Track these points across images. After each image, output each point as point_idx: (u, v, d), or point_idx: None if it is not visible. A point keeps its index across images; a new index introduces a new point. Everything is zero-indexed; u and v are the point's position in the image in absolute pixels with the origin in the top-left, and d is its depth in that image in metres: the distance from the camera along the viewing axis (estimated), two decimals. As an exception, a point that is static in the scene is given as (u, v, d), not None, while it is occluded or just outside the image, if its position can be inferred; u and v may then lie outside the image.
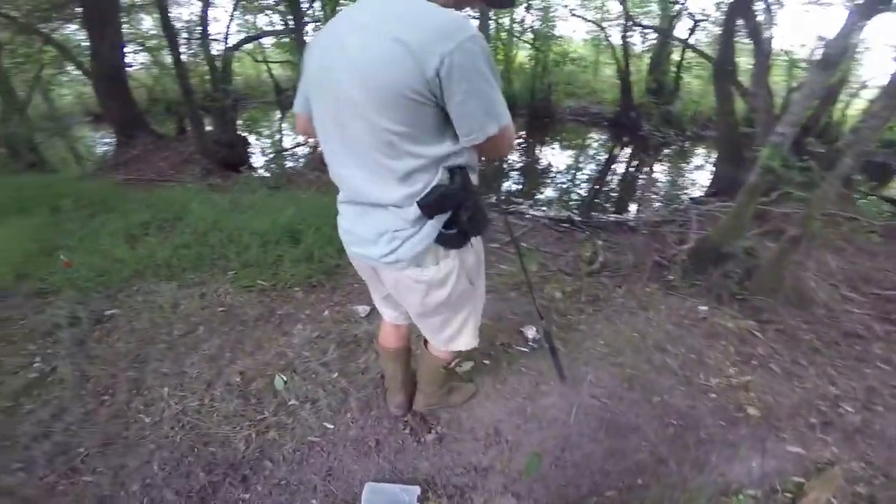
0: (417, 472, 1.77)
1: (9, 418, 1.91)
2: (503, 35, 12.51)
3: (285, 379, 2.11)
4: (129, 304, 2.76)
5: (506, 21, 12.27)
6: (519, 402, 2.06)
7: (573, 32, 14.27)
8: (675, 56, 11.19)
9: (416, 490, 1.66)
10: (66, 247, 3.40)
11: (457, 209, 1.08)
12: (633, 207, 6.72)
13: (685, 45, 9.72)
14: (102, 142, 9.25)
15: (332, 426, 1.92)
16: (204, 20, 7.13)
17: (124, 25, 7.72)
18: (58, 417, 1.91)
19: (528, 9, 11.91)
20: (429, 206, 1.05)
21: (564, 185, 7.77)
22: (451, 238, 1.12)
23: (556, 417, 1.99)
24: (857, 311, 2.90)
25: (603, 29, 11.93)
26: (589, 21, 12.15)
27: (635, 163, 9.33)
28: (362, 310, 2.64)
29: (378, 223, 1.12)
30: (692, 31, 9.74)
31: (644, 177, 8.38)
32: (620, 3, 9.97)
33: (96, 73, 6.70)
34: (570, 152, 10.34)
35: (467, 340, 1.46)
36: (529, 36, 12.57)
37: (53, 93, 9.15)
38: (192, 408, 1.97)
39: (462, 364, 2.20)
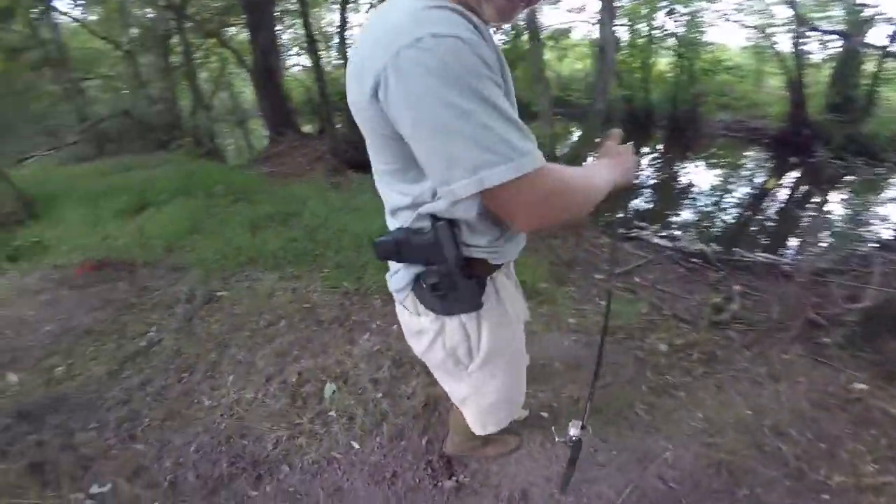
0: None
1: (109, 380, 2.24)
2: (640, 41, 11.45)
3: (334, 388, 2.13)
4: (236, 288, 3.08)
5: (642, 26, 11.25)
6: (561, 469, 1.75)
7: (727, 39, 12.48)
8: (870, 66, 8.97)
9: None
10: (205, 230, 3.96)
11: (428, 265, 0.87)
12: (791, 247, 5.48)
13: (884, 53, 7.75)
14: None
15: (358, 446, 1.87)
16: (342, 25, 7.76)
17: (289, 30, 8.77)
18: (142, 387, 2.19)
19: (669, 13, 10.73)
20: (379, 247, 0.89)
21: (704, 211, 6.61)
22: (424, 295, 0.92)
23: (601, 494, 1.68)
24: None
25: (767, 35, 10.20)
26: (749, 27, 10.51)
27: (802, 191, 7.67)
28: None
29: None
30: (894, 37, 7.71)
31: (813, 210, 6.85)
32: (790, 7, 8.36)
33: (254, 73, 7.76)
34: (717, 171, 8.88)
35: (475, 421, 1.23)
36: (672, 42, 11.32)
37: (234, 89, 10.90)
38: (246, 399, 2.10)
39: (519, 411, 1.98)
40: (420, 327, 0.99)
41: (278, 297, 2.92)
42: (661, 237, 4.92)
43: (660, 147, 9.53)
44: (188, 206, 4.47)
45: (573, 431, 1.33)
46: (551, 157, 5.46)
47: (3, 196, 4.61)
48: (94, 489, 1.74)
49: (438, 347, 1.00)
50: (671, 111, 11.05)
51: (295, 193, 4.82)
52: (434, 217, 0.82)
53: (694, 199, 7.15)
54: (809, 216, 6.60)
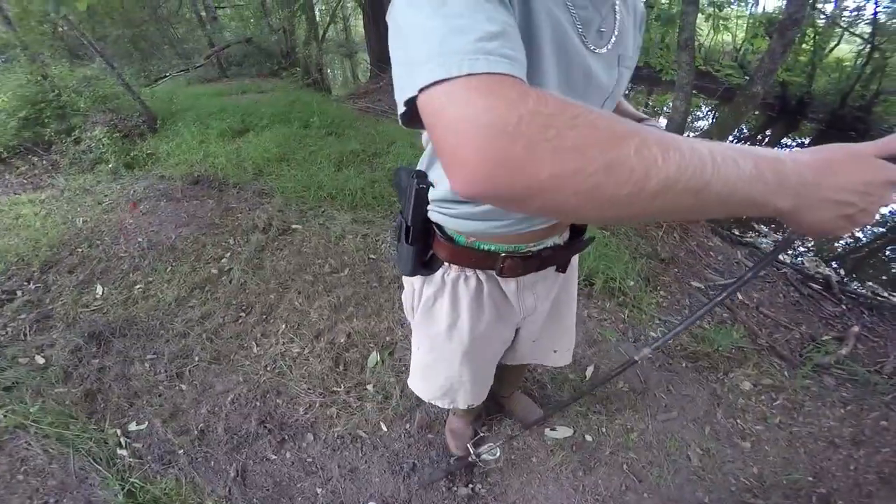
0: None
1: (175, 307, 2.22)
2: (819, 21, 8.99)
3: (378, 360, 1.93)
4: (310, 224, 2.96)
5: (829, 6, 8.84)
6: (589, 501, 1.51)
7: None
8: None
9: None
10: (294, 159, 3.90)
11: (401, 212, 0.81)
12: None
13: None
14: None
15: (386, 429, 1.71)
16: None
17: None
18: (201, 322, 2.14)
19: (870, -4, 8.17)
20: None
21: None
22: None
23: None
24: None
25: None
26: None
27: None
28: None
29: None
30: None
31: None
32: None
33: (364, 6, 7.42)
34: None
35: (412, 378, 1.15)
36: (865, 29, 8.77)
37: (348, 23, 10.79)
38: (292, 354, 1.96)
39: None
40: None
41: (347, 243, 2.74)
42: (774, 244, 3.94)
43: (806, 142, 7.71)
44: (283, 134, 4.44)
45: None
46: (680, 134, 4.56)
47: (132, 111, 4.96)
48: (132, 426, 1.73)
49: (405, 292, 0.99)
50: (836, 105, 8.79)
51: (383, 133, 4.58)
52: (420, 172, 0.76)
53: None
54: None
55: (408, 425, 1.72)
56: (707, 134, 5.00)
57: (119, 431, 1.71)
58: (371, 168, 3.74)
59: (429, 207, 0.77)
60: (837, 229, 0.46)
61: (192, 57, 9.10)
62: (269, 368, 1.91)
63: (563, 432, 1.70)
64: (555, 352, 1.17)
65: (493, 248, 0.78)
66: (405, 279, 0.96)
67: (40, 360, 2.03)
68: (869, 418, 1.83)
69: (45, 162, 4.53)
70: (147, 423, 1.74)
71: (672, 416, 1.81)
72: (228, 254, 2.65)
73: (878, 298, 3.04)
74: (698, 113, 8.05)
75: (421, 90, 0.39)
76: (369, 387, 1.84)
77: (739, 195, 0.40)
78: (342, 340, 2.02)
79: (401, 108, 0.44)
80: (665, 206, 0.37)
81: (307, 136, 4.49)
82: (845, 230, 0.46)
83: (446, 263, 0.82)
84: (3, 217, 3.43)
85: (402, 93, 0.43)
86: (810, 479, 1.60)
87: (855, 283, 3.56)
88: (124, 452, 1.64)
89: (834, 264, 3.92)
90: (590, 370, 1.96)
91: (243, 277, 2.43)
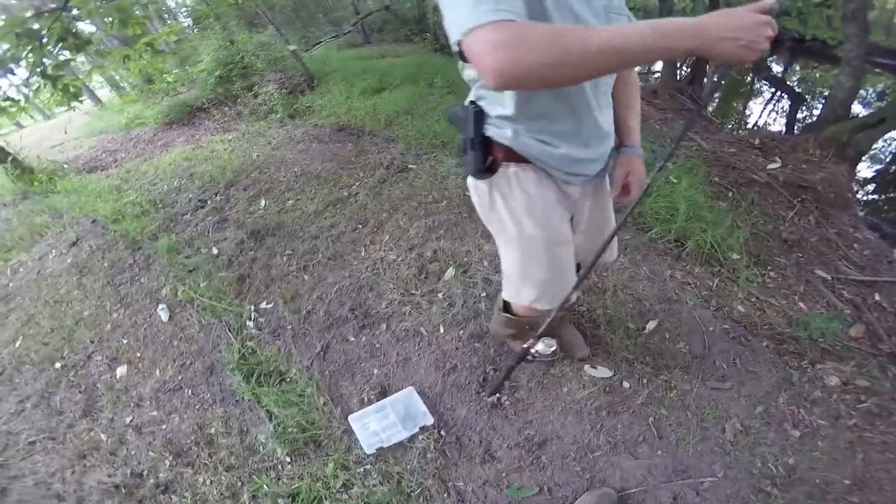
0: (452, 412, 1.68)
1: (313, 217, 2.80)
2: None
3: (454, 274, 2.20)
4: (423, 165, 3.34)
5: None
6: (598, 442, 1.54)
7: None
8: None
9: (429, 421, 1.63)
10: (417, 112, 4.33)
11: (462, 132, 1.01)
12: None
13: None
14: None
15: (443, 331, 1.94)
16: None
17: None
18: (329, 229, 2.66)
19: None
20: (451, 114, 1.04)
21: None
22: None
23: (604, 480, 1.44)
24: None
25: None
26: None
27: None
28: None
29: None
30: None
31: None
32: None
33: None
34: None
35: (507, 289, 1.25)
36: None
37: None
38: (388, 260, 2.35)
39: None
40: (469, 182, 1.13)
41: (450, 181, 3.06)
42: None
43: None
44: (411, 93, 4.88)
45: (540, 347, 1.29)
46: (841, 117, 3.73)
47: (296, 71, 5.88)
48: (263, 305, 2.25)
49: (475, 196, 1.13)
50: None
51: None
52: (473, 101, 0.97)
53: None
54: None
55: (460, 332, 1.93)
56: (879, 114, 4.06)
57: (252, 308, 2.25)
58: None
59: (486, 125, 0.97)
60: (743, 57, 0.67)
61: (342, 24, 10.14)
62: (369, 269, 2.33)
63: (602, 372, 1.69)
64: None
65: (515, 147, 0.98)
66: (476, 194, 1.10)
67: (214, 251, 2.74)
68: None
69: (232, 111, 5.66)
70: (273, 303, 2.26)
71: (724, 387, 1.65)
72: (357, 183, 3.17)
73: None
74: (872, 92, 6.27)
75: (465, 34, 0.64)
76: (440, 294, 2.12)
77: (651, 47, 0.64)
78: (429, 254, 2.35)
79: (455, 48, 0.71)
80: (602, 61, 0.64)
81: (430, 94, 4.88)
82: (749, 56, 0.67)
83: (504, 163, 0.99)
84: (203, 151, 4.49)
85: (453, 36, 0.68)
86: (847, 482, 1.37)
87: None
88: (251, 324, 2.17)
89: None
90: (651, 324, 1.86)
91: (366, 200, 2.92)
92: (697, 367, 1.71)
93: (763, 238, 2.47)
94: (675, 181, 2.68)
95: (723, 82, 6.50)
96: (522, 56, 0.61)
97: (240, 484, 1.60)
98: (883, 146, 4.60)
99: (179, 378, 2.04)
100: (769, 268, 2.30)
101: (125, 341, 2.30)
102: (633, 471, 1.44)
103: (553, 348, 1.30)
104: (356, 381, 1.85)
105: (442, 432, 1.64)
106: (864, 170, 4.23)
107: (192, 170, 4.02)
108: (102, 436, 1.87)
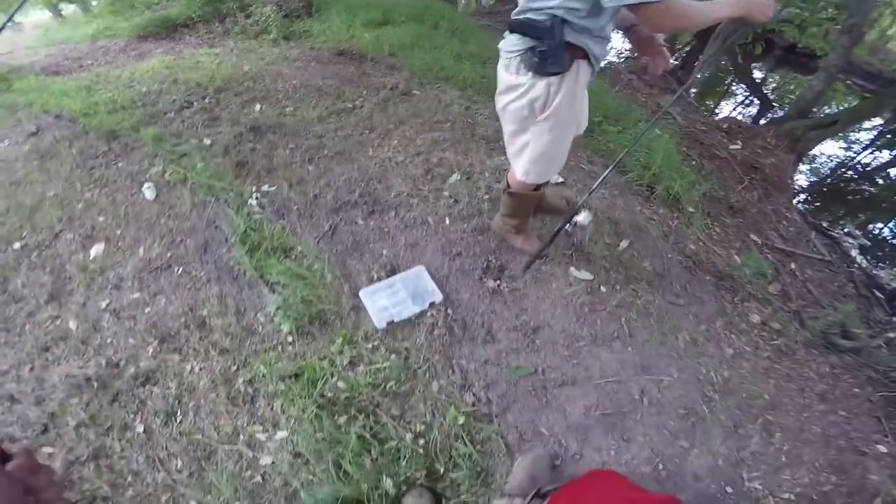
0: (456, 293, 1.73)
1: (317, 122, 2.69)
2: None
3: (458, 178, 2.23)
4: (427, 92, 3.24)
5: None
6: (582, 332, 1.69)
7: None
8: None
9: (438, 298, 1.66)
10: (422, 47, 4.18)
11: (539, 40, 1.23)
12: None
13: None
14: None
15: (448, 223, 1.99)
16: None
17: None
18: (335, 132, 2.58)
19: None
20: (514, 21, 1.28)
21: None
22: (529, 59, 1.27)
23: (587, 368, 1.58)
24: None
25: None
26: None
27: None
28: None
29: None
30: None
31: None
32: None
33: None
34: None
35: (523, 167, 1.52)
36: None
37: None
38: (397, 160, 2.33)
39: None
40: (516, 83, 1.34)
41: (454, 107, 2.99)
42: (861, 247, 3.65)
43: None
44: (416, 30, 4.71)
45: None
46: (803, 116, 4.12)
47: (292, -5, 5.52)
48: (265, 188, 2.15)
49: (524, 99, 1.35)
50: None
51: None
52: (553, 15, 1.19)
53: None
54: None
55: (465, 224, 1.99)
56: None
57: (254, 188, 2.14)
58: (485, 67, 3.90)
59: (571, 38, 1.23)
60: (762, 15, 1.19)
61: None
62: (377, 165, 2.28)
63: (584, 275, 1.88)
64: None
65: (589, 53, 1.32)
66: (539, 87, 1.31)
67: (207, 142, 2.56)
68: (845, 383, 1.74)
69: (219, 29, 5.28)
70: (277, 186, 2.16)
71: (679, 303, 1.90)
72: (361, 99, 3.04)
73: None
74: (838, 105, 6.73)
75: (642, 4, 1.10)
76: (445, 192, 2.15)
77: (720, 15, 1.20)
78: (434, 161, 2.35)
79: (614, 6, 1.13)
80: (704, 23, 1.18)
81: (435, 34, 4.73)
82: (766, 14, 1.19)
83: (577, 60, 1.28)
84: (185, 62, 4.14)
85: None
86: (766, 398, 1.61)
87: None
88: (253, 202, 2.07)
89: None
90: (624, 243, 2.11)
91: (371, 111, 2.82)
92: (659, 283, 1.98)
93: (715, 200, 2.88)
94: (659, 133, 3.00)
95: (707, 74, 6.84)
96: (677, 23, 1.19)
97: (234, 368, 1.51)
98: (827, 149, 5.31)
99: (168, 256, 1.90)
100: (716, 224, 2.66)
101: (101, 219, 2.10)
102: (609, 362, 1.60)
103: (590, 219, 1.39)
104: (364, 259, 1.80)
105: (449, 311, 1.64)
106: (806, 164, 4.91)
107: (174, 77, 3.71)
108: (72, 323, 1.68)
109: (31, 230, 2.09)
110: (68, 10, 9.54)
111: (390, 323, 1.55)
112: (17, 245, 2.02)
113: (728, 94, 6.93)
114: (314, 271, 1.71)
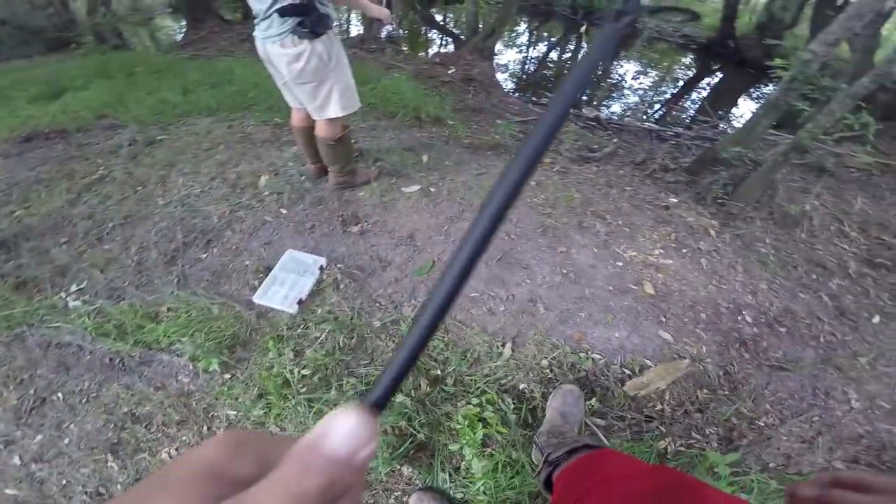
0: (334, 252, 1.96)
1: (70, 206, 2.30)
2: None
3: (267, 180, 2.37)
4: (176, 132, 3.05)
5: None
6: (440, 221, 2.18)
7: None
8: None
9: (323, 261, 1.85)
10: (135, 98, 3.78)
11: (304, 16, 1.61)
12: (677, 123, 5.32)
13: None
14: (180, 31, 9.40)
15: (286, 212, 2.17)
16: None
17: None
18: (102, 203, 2.29)
19: None
20: (286, 7, 1.59)
21: (620, 93, 6.37)
22: (301, 31, 1.63)
23: (456, 238, 2.08)
24: (843, 247, 2.40)
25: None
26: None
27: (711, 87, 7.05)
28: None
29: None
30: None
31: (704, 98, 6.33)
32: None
33: None
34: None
35: (335, 109, 1.86)
36: None
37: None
38: (195, 193, 2.28)
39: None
40: (300, 51, 1.67)
41: (216, 132, 2.95)
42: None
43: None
44: (108, 86, 4.18)
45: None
46: (475, 32, 5.85)
47: None
48: (73, 287, 1.86)
49: (314, 58, 1.70)
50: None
51: (221, 68, 4.51)
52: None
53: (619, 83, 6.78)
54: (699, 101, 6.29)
55: (301, 206, 2.20)
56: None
57: (64, 294, 1.84)
58: (219, 90, 3.81)
59: (321, 9, 1.69)
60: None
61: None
62: (178, 206, 2.20)
63: (414, 188, 2.35)
64: None
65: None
66: (318, 45, 1.69)
67: None
68: (617, 176, 2.80)
69: None
70: (87, 277, 1.90)
71: (482, 173, 2.58)
72: (103, 167, 2.65)
73: (633, 124, 4.42)
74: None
75: None
76: (265, 193, 2.28)
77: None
78: (233, 177, 2.40)
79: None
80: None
81: (136, 82, 4.28)
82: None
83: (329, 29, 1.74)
84: None
85: None
86: (579, 197, 2.40)
87: (615, 116, 5.04)
88: (77, 303, 1.80)
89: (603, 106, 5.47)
90: (424, 156, 2.72)
91: (126, 172, 2.54)
92: (459, 168, 2.65)
93: (461, 110, 3.83)
94: (397, 76, 4.00)
95: (404, 32, 8.05)
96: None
97: (206, 429, 1.43)
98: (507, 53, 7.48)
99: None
100: (472, 124, 3.56)
101: None
102: (461, 231, 2.06)
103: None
104: (234, 278, 1.83)
105: (339, 265, 1.85)
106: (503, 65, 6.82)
107: None
108: None
109: None
110: None
111: (300, 301, 1.66)
112: None
113: (427, 37, 8.45)
114: (199, 311, 1.65)
